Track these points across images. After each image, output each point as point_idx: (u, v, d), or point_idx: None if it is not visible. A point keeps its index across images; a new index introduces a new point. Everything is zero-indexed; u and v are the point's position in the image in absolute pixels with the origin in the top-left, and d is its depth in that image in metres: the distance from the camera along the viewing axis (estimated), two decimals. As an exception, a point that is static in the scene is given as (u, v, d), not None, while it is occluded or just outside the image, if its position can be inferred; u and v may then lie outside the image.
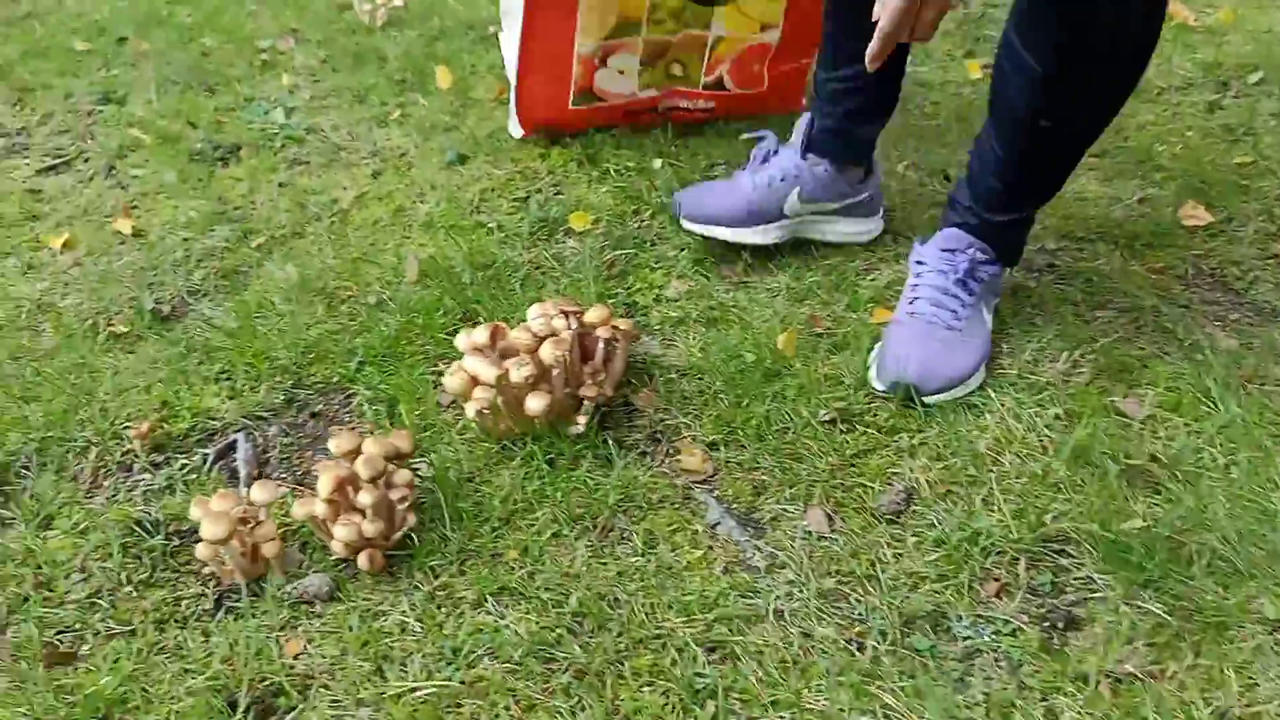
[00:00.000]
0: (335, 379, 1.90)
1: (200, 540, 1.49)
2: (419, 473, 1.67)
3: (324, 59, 3.03)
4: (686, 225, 2.12)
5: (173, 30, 3.21)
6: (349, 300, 2.10)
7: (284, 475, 1.73)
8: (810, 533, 1.58)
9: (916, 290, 1.86)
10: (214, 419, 1.81)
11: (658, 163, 2.49)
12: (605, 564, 1.54)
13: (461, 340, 1.72)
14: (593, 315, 1.76)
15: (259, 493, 1.53)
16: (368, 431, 1.77)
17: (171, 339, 2.00)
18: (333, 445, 1.56)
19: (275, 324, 2.02)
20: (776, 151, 2.15)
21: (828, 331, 1.96)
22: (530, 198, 2.39)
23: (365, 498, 1.51)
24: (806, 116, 2.12)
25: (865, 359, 1.86)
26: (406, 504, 1.54)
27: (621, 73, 2.44)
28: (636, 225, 2.28)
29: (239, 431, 1.78)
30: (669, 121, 2.58)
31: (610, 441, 1.73)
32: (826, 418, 1.76)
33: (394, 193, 2.44)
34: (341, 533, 1.49)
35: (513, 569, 1.52)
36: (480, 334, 1.70)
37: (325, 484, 1.49)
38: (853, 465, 1.69)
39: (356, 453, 1.56)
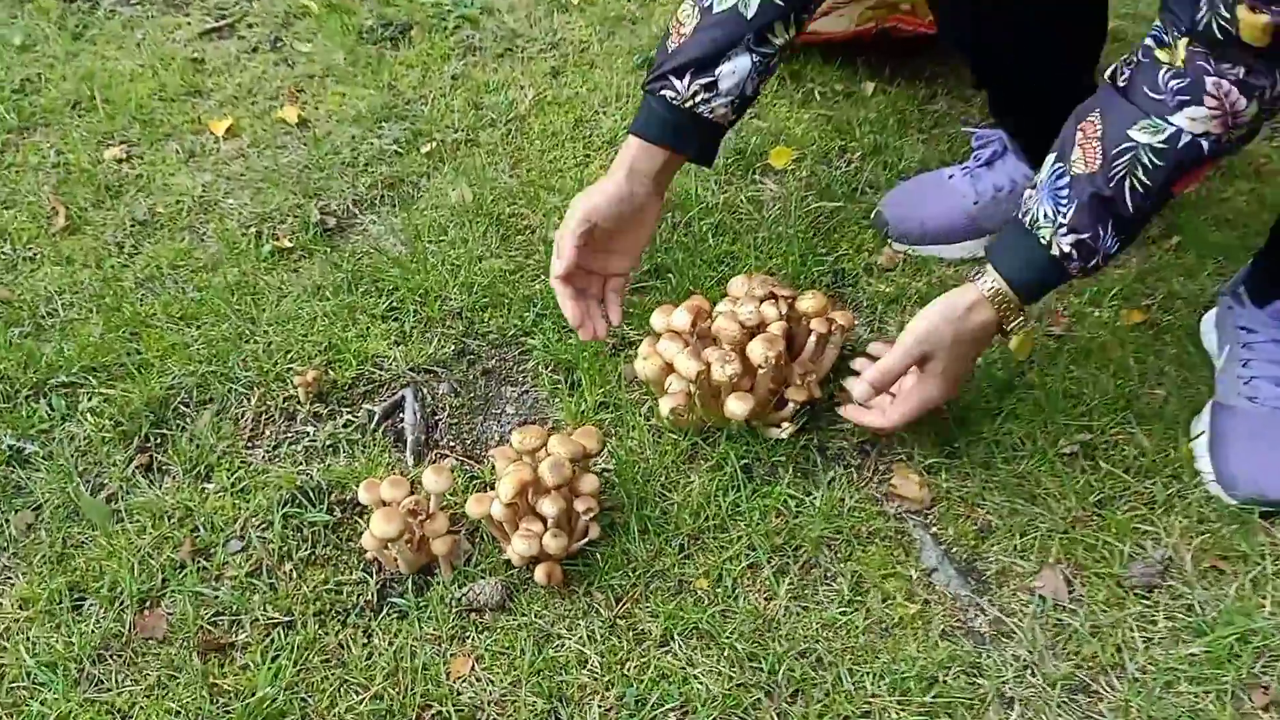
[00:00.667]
0: (510, 330, 1.73)
1: (367, 530, 1.35)
2: (603, 471, 1.51)
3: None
4: (898, 248, 1.85)
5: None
6: (525, 232, 1.90)
7: (452, 443, 1.58)
8: (1044, 599, 1.37)
9: (1250, 367, 1.55)
10: (381, 368, 1.66)
11: (869, 87, 2.19)
12: (807, 610, 1.36)
13: (658, 320, 1.51)
14: (807, 304, 1.53)
15: (432, 480, 1.38)
16: (554, 425, 1.60)
17: (337, 260, 1.84)
18: (516, 440, 1.39)
19: (447, 254, 1.84)
20: (1003, 154, 1.83)
21: (1068, 333, 1.70)
22: (727, 120, 2.12)
23: (549, 507, 1.35)
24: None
25: (1118, 383, 1.60)
26: (591, 515, 1.38)
27: (839, 12, 2.13)
28: (844, 167, 2.01)
29: (406, 387, 1.63)
30: (886, 36, 2.25)
31: (814, 450, 1.53)
32: (1068, 450, 1.53)
33: (574, 99, 2.20)
34: (520, 546, 1.34)
35: (703, 603, 1.36)
36: (680, 317, 1.49)
37: (507, 488, 1.33)
38: (1098, 515, 1.46)
39: (541, 449, 1.39)
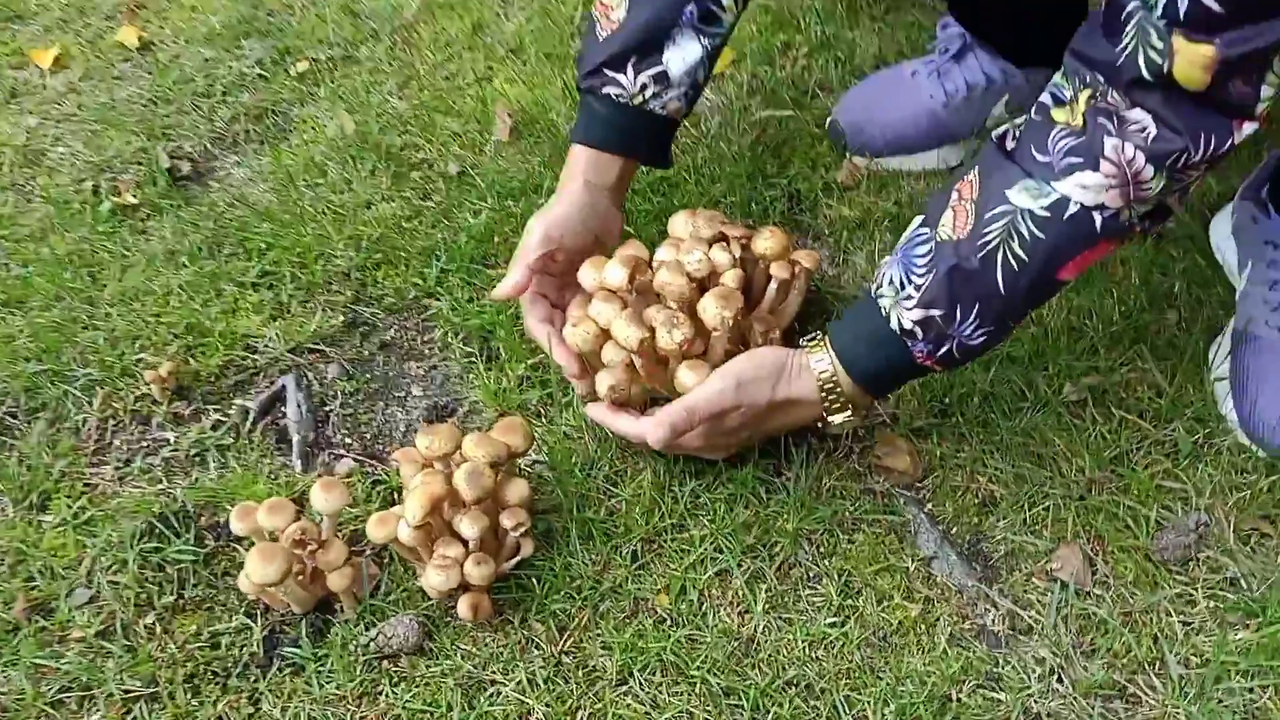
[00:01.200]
0: (410, 293, 1.44)
1: (243, 572, 1.09)
2: (534, 464, 1.25)
3: None
4: (859, 162, 1.58)
5: None
6: (422, 167, 1.60)
7: (349, 440, 1.31)
8: (1064, 584, 1.16)
9: None
10: (255, 351, 1.37)
11: (814, -30, 1.89)
12: (790, 624, 1.13)
13: (586, 276, 1.24)
14: (765, 244, 1.27)
15: (322, 500, 1.12)
16: (469, 412, 1.33)
17: (195, 216, 1.53)
18: (422, 445, 1.13)
19: (328, 201, 1.54)
20: (970, 47, 1.55)
21: (1063, 253, 1.46)
22: (650, 16, 1.82)
23: (469, 528, 1.09)
24: None
25: (1123, 310, 1.38)
26: (522, 530, 1.13)
27: None
28: (789, 67, 1.73)
29: (287, 373, 1.34)
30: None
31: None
32: (1075, 397, 1.30)
33: (470, 0, 1.88)
34: (436, 579, 1.08)
35: (665, 626, 1.13)
36: (614, 272, 1.22)
37: (415, 507, 1.07)
38: (1115, 474, 1.24)
39: (454, 453, 1.13)
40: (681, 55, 1.22)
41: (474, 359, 1.36)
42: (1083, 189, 1.01)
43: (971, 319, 1.07)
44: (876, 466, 1.26)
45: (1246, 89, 0.94)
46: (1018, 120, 1.08)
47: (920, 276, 1.08)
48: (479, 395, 1.33)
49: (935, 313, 1.07)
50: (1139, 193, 1.01)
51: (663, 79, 1.22)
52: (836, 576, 1.17)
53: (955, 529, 1.22)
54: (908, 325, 1.09)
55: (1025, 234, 1.03)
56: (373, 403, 1.34)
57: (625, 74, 1.21)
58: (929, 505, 1.24)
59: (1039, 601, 1.16)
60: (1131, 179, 1.00)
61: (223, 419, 1.31)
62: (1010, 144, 1.07)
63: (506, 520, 1.12)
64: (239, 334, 1.38)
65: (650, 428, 1.14)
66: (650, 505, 1.21)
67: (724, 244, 1.27)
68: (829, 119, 1.61)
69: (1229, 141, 0.97)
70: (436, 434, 1.12)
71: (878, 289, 1.12)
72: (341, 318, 1.41)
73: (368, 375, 1.37)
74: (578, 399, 1.28)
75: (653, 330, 1.18)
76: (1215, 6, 0.88)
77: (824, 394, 1.14)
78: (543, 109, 1.65)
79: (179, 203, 1.55)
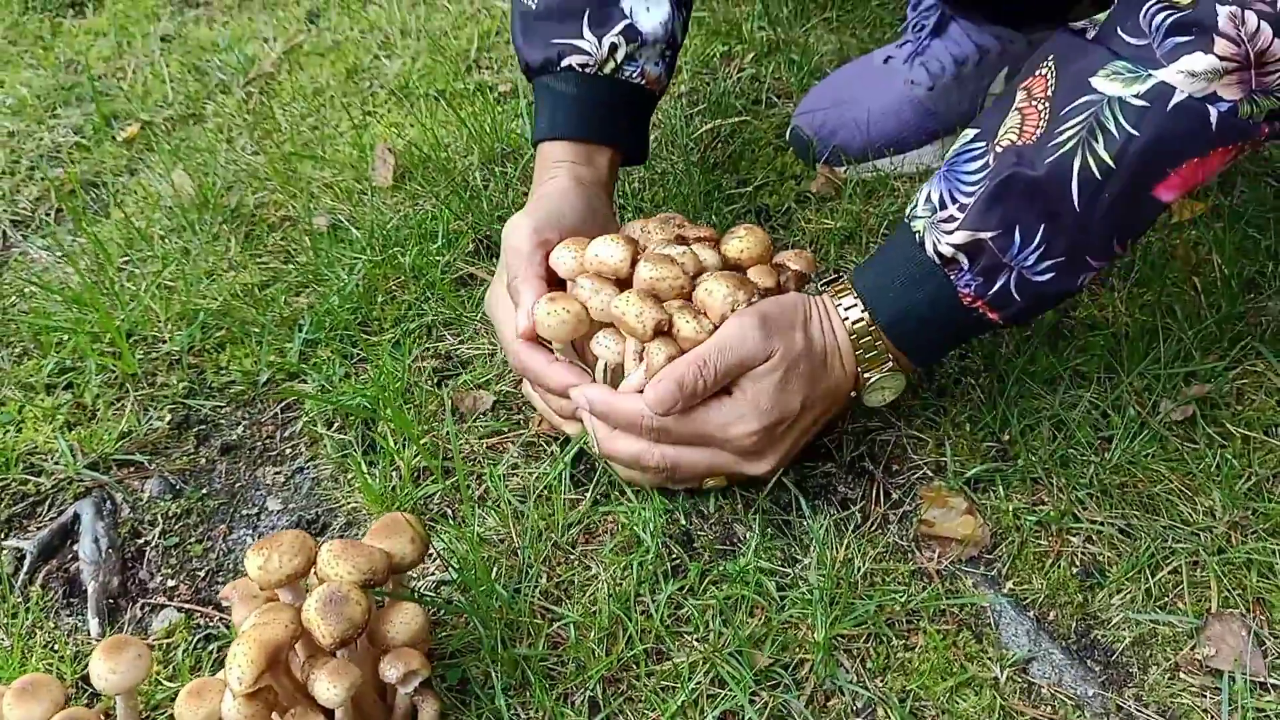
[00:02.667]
0: (264, 375, 1.06)
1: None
2: (437, 586, 0.86)
3: None
4: (826, 173, 1.26)
5: None
6: (283, 226, 1.25)
7: (172, 582, 0.91)
8: (1231, 676, 0.78)
9: None
10: (39, 472, 0.98)
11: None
12: (842, 787, 0.74)
13: (565, 259, 0.88)
14: (741, 245, 0.92)
15: (105, 674, 0.72)
16: (339, 520, 0.94)
17: (-24, 311, 1.15)
18: (255, 564, 0.73)
19: (155, 275, 1.17)
20: (946, 20, 1.27)
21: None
22: (558, 42, 1.51)
23: (329, 687, 0.69)
24: None
25: (1211, 301, 1.05)
26: (418, 679, 0.73)
27: None
28: (735, 77, 1.42)
29: (84, 497, 0.95)
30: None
31: (788, 483, 0.91)
32: (1179, 415, 0.95)
33: (343, 44, 1.56)
34: (282, 780, 0.68)
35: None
36: (609, 249, 0.86)
37: (244, 664, 0.68)
38: (1257, 513, 0.89)
39: (305, 572, 0.74)
40: (645, 5, 0.94)
41: (351, 449, 0.98)
42: (1190, 77, 0.72)
43: (1035, 244, 0.77)
44: (926, 536, 0.89)
45: None
46: (1091, 18, 0.78)
47: (968, 189, 0.78)
48: (360, 500, 0.95)
49: (985, 235, 0.78)
50: (1263, 79, 0.71)
51: (633, 34, 0.93)
52: (897, 702, 0.78)
53: (1053, 614, 0.84)
54: (947, 251, 0.80)
55: (1113, 130, 0.74)
56: (209, 527, 0.95)
57: (583, 38, 0.92)
58: (1009, 584, 0.86)
59: (1198, 707, 0.78)
60: (1254, 60, 0.71)
61: (-14, 569, 0.91)
62: (1091, 33, 0.77)
63: (391, 669, 0.73)
64: (18, 451, 0.98)
65: (650, 392, 0.81)
66: (611, 625, 0.82)
67: (683, 245, 0.92)
68: (789, 128, 1.28)
69: None
70: (275, 547, 0.73)
71: (912, 210, 0.82)
72: (168, 417, 1.03)
73: (203, 490, 0.98)
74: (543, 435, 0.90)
75: (670, 316, 0.83)
76: None
77: (857, 349, 0.84)
78: (436, 145, 1.32)
79: (-38, 306, 1.18)
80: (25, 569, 0.90)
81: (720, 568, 0.86)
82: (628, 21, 0.94)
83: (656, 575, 0.85)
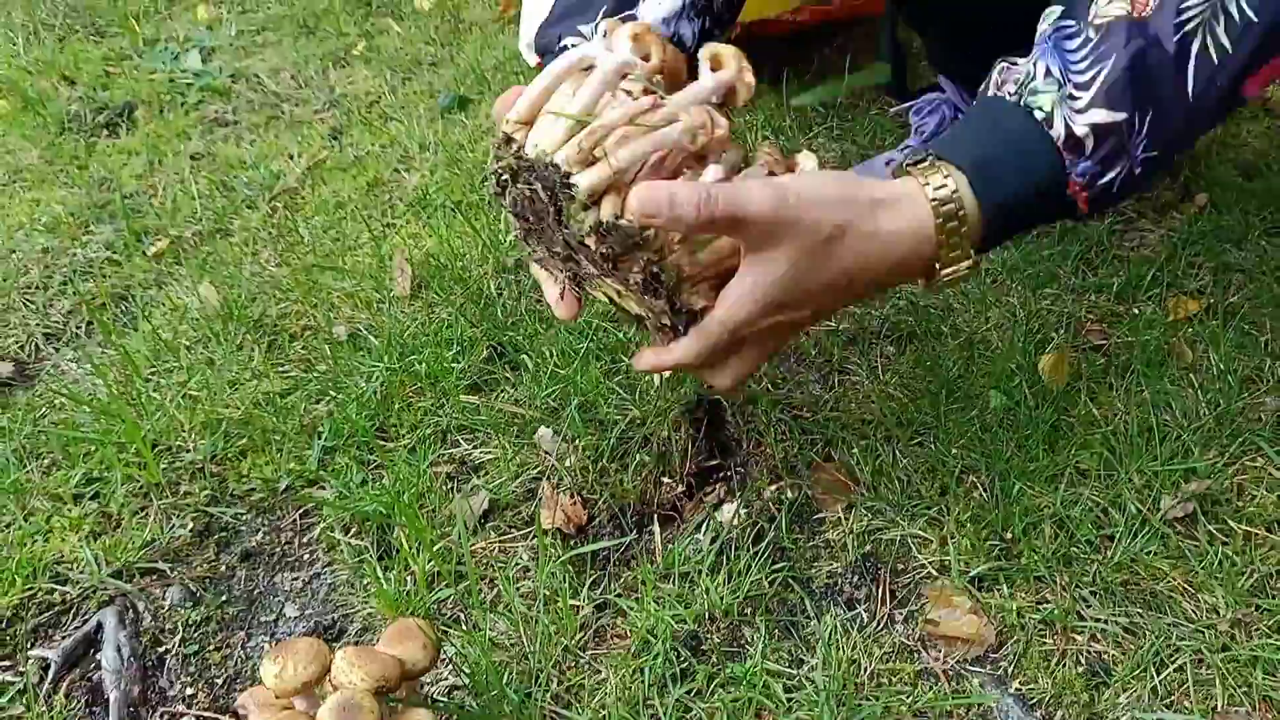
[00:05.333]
0: (284, 482, 1.10)
1: None
2: (450, 691, 0.88)
3: (256, -20, 2.21)
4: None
5: (50, -43, 2.37)
6: (304, 335, 1.29)
7: (191, 690, 0.93)
8: (1242, 778, 0.78)
9: None
10: (65, 581, 1.01)
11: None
12: None
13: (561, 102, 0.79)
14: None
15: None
16: (353, 627, 0.96)
17: (8, 422, 1.19)
18: (270, 673, 0.75)
19: (181, 385, 1.21)
20: (954, 117, 1.32)
21: (1111, 342, 1.16)
22: (570, 153, 1.58)
23: (342, 797, 0.71)
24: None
25: (1208, 397, 1.06)
26: (428, 791, 0.75)
27: None
28: (740, 184, 1.47)
29: (106, 607, 0.98)
30: (754, 32, 1.77)
31: (793, 582, 0.93)
32: (1180, 512, 0.97)
33: (364, 159, 1.63)
34: None
35: None
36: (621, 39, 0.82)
37: (255, 775, 0.69)
38: (1260, 610, 0.89)
39: (320, 679, 0.76)
40: (657, 1, 0.94)
41: (367, 555, 1.01)
42: None
43: (1146, 133, 0.74)
44: (931, 636, 0.90)
45: None
46: None
47: (1088, 69, 0.74)
48: (375, 605, 0.97)
49: (1120, 116, 0.73)
50: None
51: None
52: (908, 807, 0.78)
53: (1060, 713, 0.85)
54: (1080, 131, 0.74)
55: (1235, 14, 0.72)
56: (229, 634, 0.97)
57: (589, 25, 0.94)
58: (1015, 683, 0.87)
59: (1211, 810, 0.78)
60: None
61: (12, 679, 0.93)
62: None
63: (402, 778, 0.74)
64: (45, 560, 1.01)
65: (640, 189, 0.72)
66: (622, 737, 0.83)
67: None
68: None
69: None
70: (290, 655, 0.75)
71: (1023, 86, 0.76)
72: (190, 524, 1.06)
73: (223, 597, 1.00)
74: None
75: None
76: None
77: (942, 223, 0.75)
78: (453, 255, 1.37)
79: (-6, 408, 1.22)
80: (50, 678, 0.92)
81: (728, 670, 0.87)
82: (631, 12, 0.96)
83: (665, 678, 0.87)
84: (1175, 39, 0.73)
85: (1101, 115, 0.74)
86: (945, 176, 0.75)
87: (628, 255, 0.73)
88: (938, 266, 0.76)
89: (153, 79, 1.87)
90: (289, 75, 1.87)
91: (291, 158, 1.65)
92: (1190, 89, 0.74)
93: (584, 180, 0.72)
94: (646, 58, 0.80)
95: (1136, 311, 1.21)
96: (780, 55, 1.73)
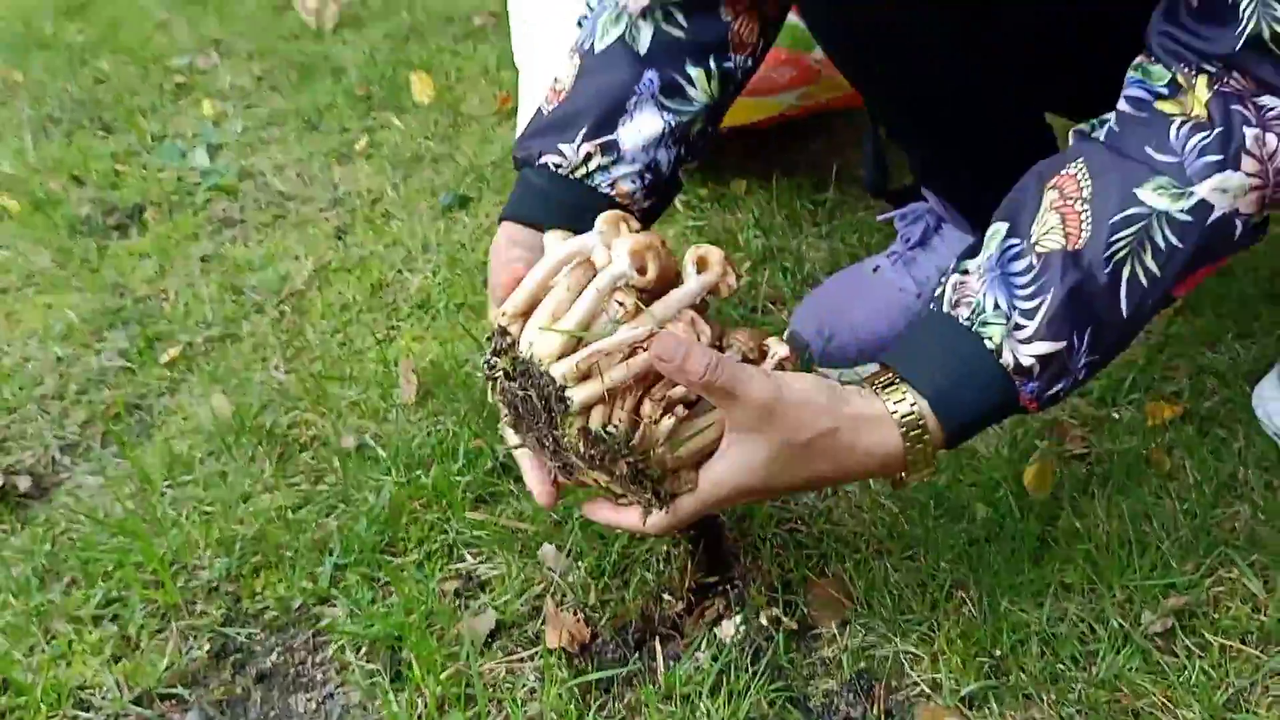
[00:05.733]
0: (296, 601, 1.13)
1: None
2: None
3: (259, 76, 2.27)
4: (826, 373, 1.34)
5: (58, 54, 2.43)
6: (313, 445, 1.34)
7: (213, 817, 0.96)
8: None
9: None
10: (89, 707, 1.04)
11: (741, 186, 1.74)
12: None
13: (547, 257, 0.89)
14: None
15: None
16: None
17: (28, 540, 1.23)
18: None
19: (196, 500, 1.25)
20: (938, 228, 1.39)
21: (1092, 450, 1.21)
22: (568, 253, 1.63)
23: None
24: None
25: (1185, 507, 1.11)
26: None
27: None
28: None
29: (128, 733, 1.01)
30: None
31: (789, 705, 0.97)
32: (1159, 627, 1.01)
33: (368, 259, 1.68)
34: None
35: None
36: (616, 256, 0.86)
37: None
38: (1238, 726, 0.93)
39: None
40: (637, 128, 1.02)
41: (378, 677, 1.04)
42: (1222, 193, 0.80)
43: (1084, 353, 0.84)
44: (925, 758, 0.94)
45: None
46: (1095, 121, 0.87)
47: (1032, 298, 0.83)
48: (387, 728, 1.00)
49: (1060, 345, 0.83)
50: (1276, 194, 0.81)
51: (611, 149, 1.02)
52: None
53: (1050, 835, 0.88)
54: (1026, 362, 0.83)
55: (1161, 244, 0.81)
56: (246, 758, 1.01)
57: (570, 144, 1.02)
58: (1006, 805, 0.91)
59: None
60: (1273, 178, 0.80)
61: (38, 810, 0.96)
62: (1101, 135, 0.86)
63: None
64: (68, 687, 1.05)
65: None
66: None
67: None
68: (786, 331, 1.38)
69: None
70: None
71: (975, 315, 0.85)
72: (207, 646, 1.09)
73: (241, 720, 1.04)
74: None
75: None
76: None
77: (907, 436, 0.84)
78: (456, 363, 1.42)
79: (12, 527, 1.26)
80: (73, 808, 0.96)
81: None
82: (611, 138, 1.02)
83: (669, 804, 0.90)
84: (1107, 270, 0.82)
85: (1044, 346, 0.83)
86: (911, 401, 0.84)
87: (615, 457, 0.80)
88: (904, 475, 0.87)
89: (161, 177, 1.93)
90: (294, 172, 1.93)
91: (298, 258, 1.70)
92: (1124, 309, 0.83)
93: (578, 395, 0.81)
94: (643, 270, 0.85)
95: (1116, 416, 1.25)
96: (768, 149, 1.80)
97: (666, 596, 1.09)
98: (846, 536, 1.13)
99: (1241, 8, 0.77)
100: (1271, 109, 0.79)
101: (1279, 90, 0.78)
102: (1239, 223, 0.82)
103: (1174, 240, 0.81)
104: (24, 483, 1.32)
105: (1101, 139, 0.86)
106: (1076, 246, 0.82)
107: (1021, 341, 0.83)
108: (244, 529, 1.20)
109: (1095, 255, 0.82)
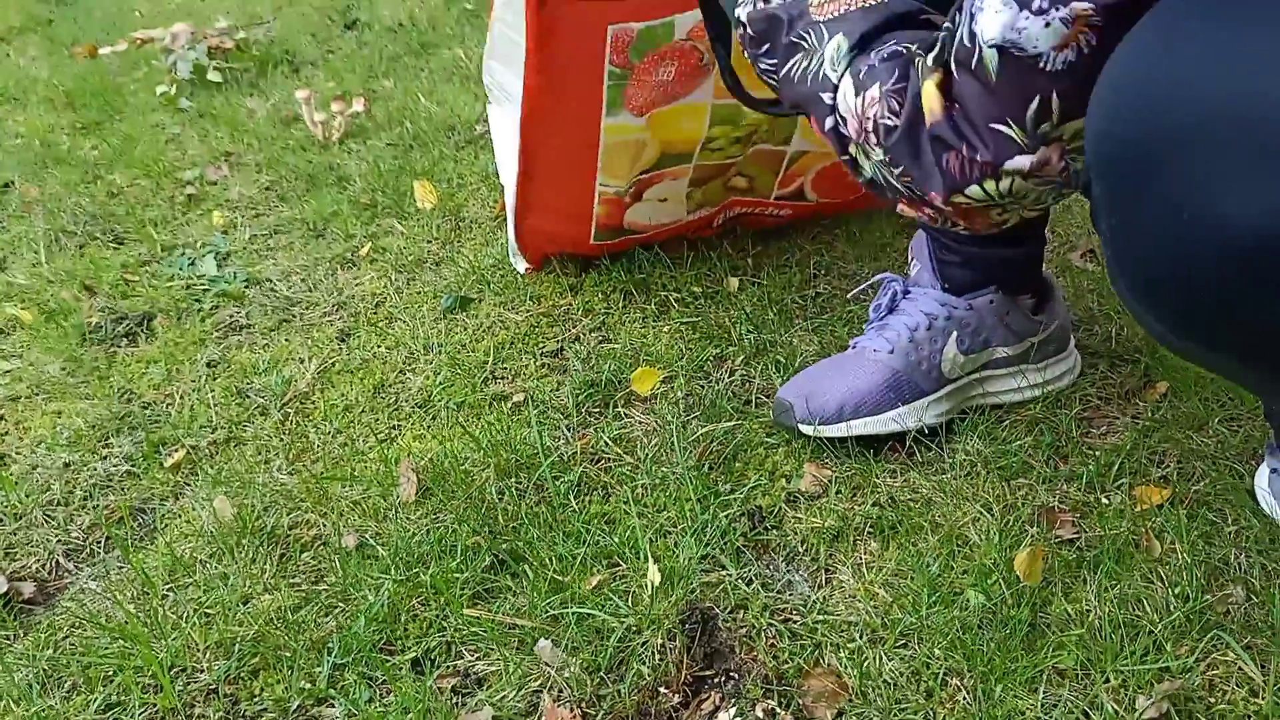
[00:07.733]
0: (295, 702, 1.14)
1: None
2: None
3: (267, 186, 2.34)
4: (809, 432, 1.38)
5: (73, 169, 2.51)
6: (314, 545, 1.35)
7: None
8: None
9: None
10: (85, 813, 1.04)
11: (734, 283, 1.78)
12: None
13: None
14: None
15: None
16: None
17: (30, 647, 1.24)
18: None
19: (196, 602, 1.27)
20: (907, 292, 1.44)
21: (1082, 535, 1.22)
22: (565, 350, 1.67)
23: None
24: (921, 237, 1.44)
25: (1177, 591, 1.12)
26: None
27: (664, 200, 1.74)
28: (726, 378, 1.56)
29: (126, 839, 1.01)
30: (738, 226, 1.90)
31: (786, 799, 0.97)
32: (1153, 713, 1.01)
33: (371, 361, 1.72)
34: None
35: None
36: None
37: None
38: (1239, 813, 0.92)
39: None
40: None
41: (375, 779, 1.04)
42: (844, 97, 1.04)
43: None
44: None
45: None
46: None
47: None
48: (384, 829, 1.00)
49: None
50: (866, 136, 1.03)
51: None
52: None
53: None
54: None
55: (815, 67, 1.06)
56: None
57: None
58: None
59: None
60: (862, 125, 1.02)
61: None
62: None
63: None
64: (66, 792, 1.05)
65: None
66: None
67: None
68: (775, 399, 1.42)
69: None
70: None
71: None
72: (205, 748, 1.10)
73: (237, 823, 1.03)
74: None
75: None
76: None
77: None
78: (455, 460, 1.44)
79: (15, 633, 1.27)
80: None
81: None
82: None
83: None
84: (788, 36, 1.09)
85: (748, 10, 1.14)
86: None
87: None
88: None
89: (170, 286, 1.98)
90: (300, 278, 1.98)
91: (302, 361, 1.74)
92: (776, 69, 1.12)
93: None
94: None
95: (1105, 501, 1.27)
96: (759, 247, 1.84)
97: (663, 690, 1.09)
98: (840, 624, 1.14)
99: None
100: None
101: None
102: (831, 118, 1.04)
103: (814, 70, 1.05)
104: (28, 589, 1.34)
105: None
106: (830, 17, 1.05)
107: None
108: (244, 630, 1.21)
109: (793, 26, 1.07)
